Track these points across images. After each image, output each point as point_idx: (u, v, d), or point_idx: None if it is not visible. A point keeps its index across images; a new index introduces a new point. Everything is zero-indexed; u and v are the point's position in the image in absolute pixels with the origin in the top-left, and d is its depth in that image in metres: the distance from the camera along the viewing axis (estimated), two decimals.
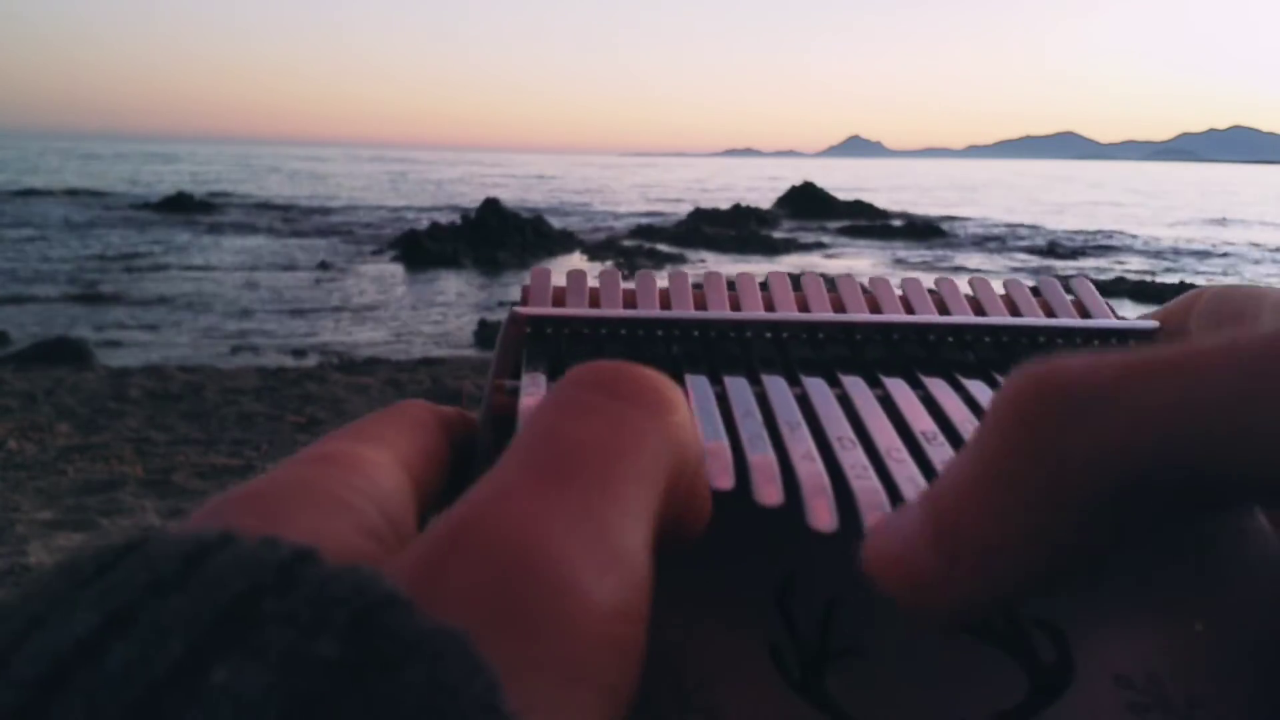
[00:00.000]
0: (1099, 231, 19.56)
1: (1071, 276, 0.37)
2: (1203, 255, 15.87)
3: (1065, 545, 0.19)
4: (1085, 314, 0.35)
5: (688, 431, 0.19)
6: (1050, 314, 0.35)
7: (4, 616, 0.12)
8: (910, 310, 0.35)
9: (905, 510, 0.20)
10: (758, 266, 12.69)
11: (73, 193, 23.43)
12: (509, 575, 0.14)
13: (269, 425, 4.51)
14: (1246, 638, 0.24)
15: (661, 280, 0.36)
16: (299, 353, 7.01)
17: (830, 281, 0.37)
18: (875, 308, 0.35)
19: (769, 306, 0.35)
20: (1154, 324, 0.33)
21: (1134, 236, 18.77)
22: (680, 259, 13.10)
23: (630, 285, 0.36)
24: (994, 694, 0.23)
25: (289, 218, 18.71)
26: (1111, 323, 0.34)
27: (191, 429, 4.44)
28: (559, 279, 0.36)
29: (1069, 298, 0.36)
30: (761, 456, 0.25)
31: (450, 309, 9.37)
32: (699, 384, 0.29)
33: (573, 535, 0.15)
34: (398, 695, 0.11)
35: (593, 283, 0.35)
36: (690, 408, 0.20)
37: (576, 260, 13.18)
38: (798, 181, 22.64)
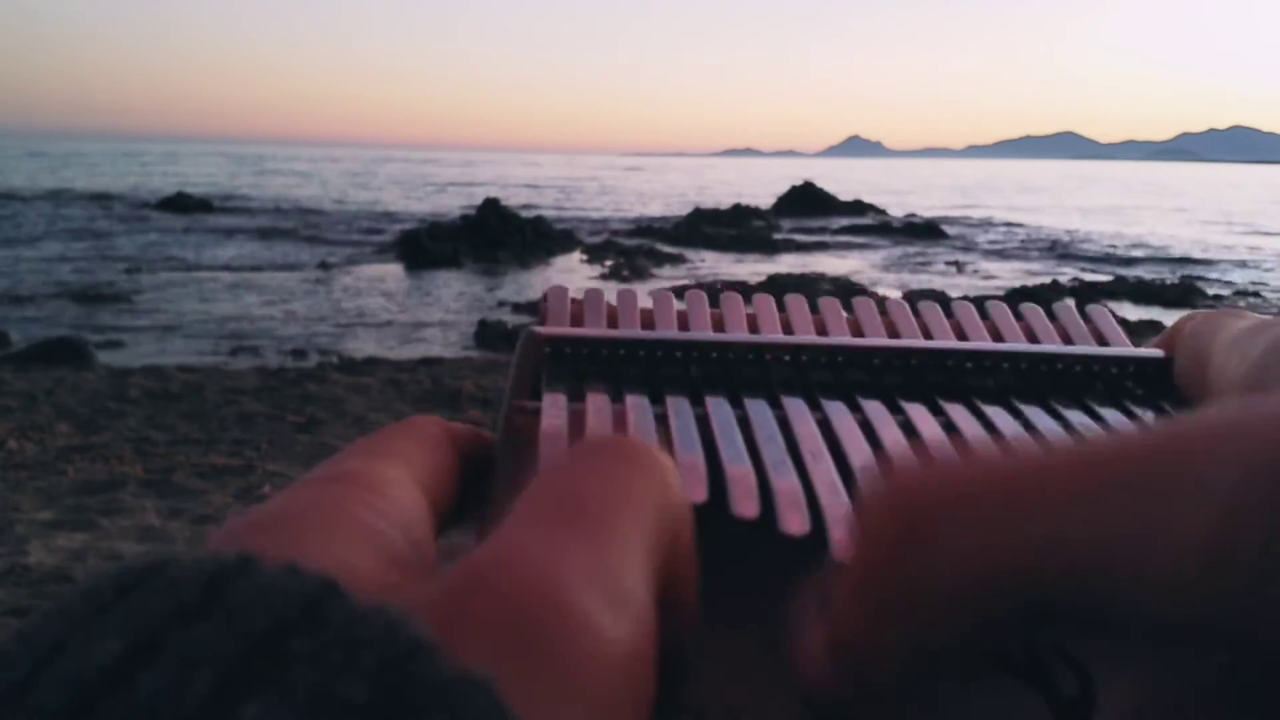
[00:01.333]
0: (1096, 232, 19.56)
1: (1090, 304, 0.38)
2: (1208, 263, 15.83)
3: (922, 660, 0.19)
4: (1102, 341, 0.35)
5: (676, 493, 0.20)
6: (1067, 340, 0.35)
7: (24, 642, 0.12)
8: (928, 335, 0.35)
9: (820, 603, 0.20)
10: (757, 266, 12.68)
11: (72, 193, 23.42)
12: (527, 614, 0.14)
13: (269, 425, 4.51)
14: (1271, 670, 0.25)
15: (679, 301, 0.36)
16: (299, 353, 7.01)
17: (847, 304, 0.37)
18: (893, 332, 0.35)
19: (786, 328, 0.35)
20: (1160, 353, 0.33)
21: (1125, 235, 18.77)
22: (680, 259, 13.10)
23: (648, 304, 0.35)
24: None
25: (289, 218, 18.70)
26: (1126, 351, 0.34)
27: (191, 429, 4.44)
28: (576, 295, 0.36)
29: (1085, 325, 0.36)
30: (785, 483, 0.25)
31: (450, 309, 9.37)
32: (719, 406, 0.29)
33: (584, 577, 0.15)
34: None
35: (610, 300, 0.35)
36: (679, 458, 0.20)
37: (576, 260, 13.19)
38: (798, 181, 22.65)
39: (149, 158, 52.97)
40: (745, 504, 0.23)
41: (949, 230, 18.49)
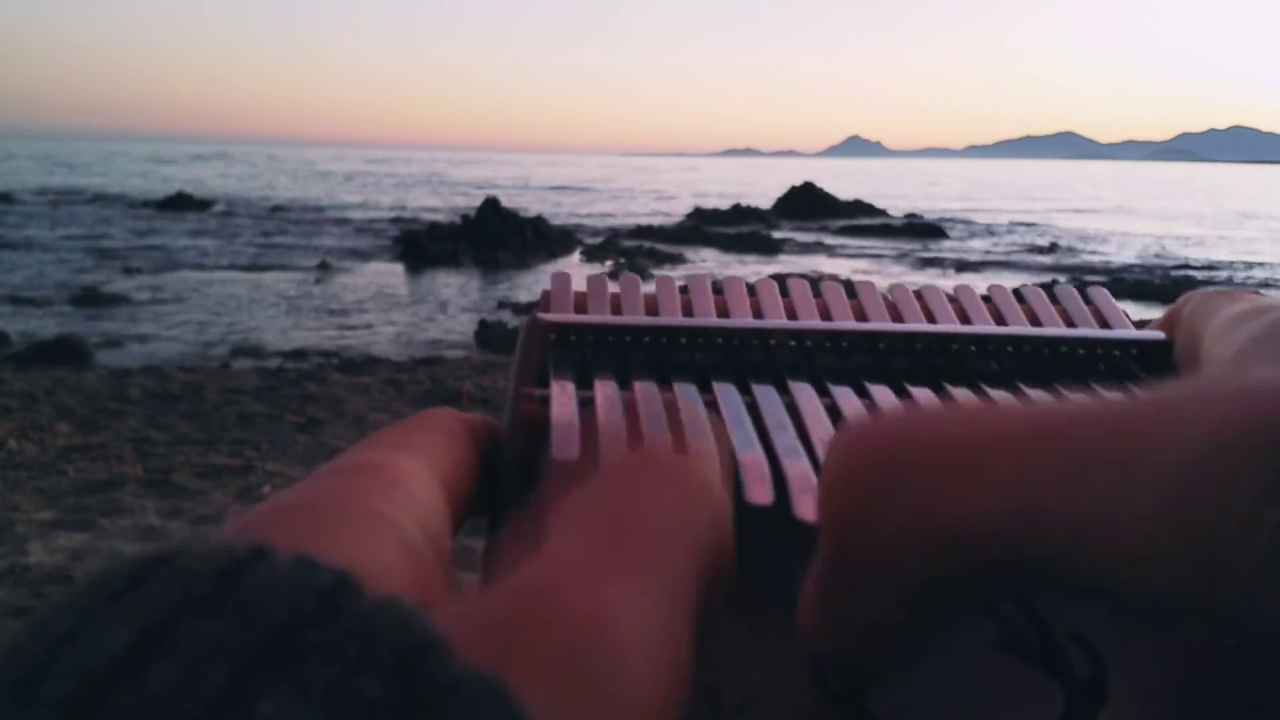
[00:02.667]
0: (1098, 232, 19.56)
1: (1089, 285, 0.37)
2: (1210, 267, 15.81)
3: (887, 622, 0.19)
4: (1104, 323, 0.35)
5: (726, 512, 0.20)
6: (1069, 323, 0.35)
7: (35, 633, 0.12)
8: (931, 319, 0.35)
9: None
10: (758, 266, 12.70)
11: (73, 193, 23.43)
12: (576, 650, 0.14)
13: (269, 425, 4.51)
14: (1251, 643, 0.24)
15: (681, 284, 0.36)
16: (299, 353, 7.00)
17: (850, 289, 0.36)
18: (897, 316, 0.35)
19: (790, 313, 0.35)
20: (1161, 335, 0.33)
21: (1125, 234, 18.77)
22: (680, 258, 13.11)
23: (651, 290, 0.35)
24: (1032, 710, 0.24)
25: (289, 218, 18.72)
26: (1128, 334, 0.34)
27: (191, 429, 4.44)
28: (579, 284, 0.35)
29: (1086, 307, 0.36)
30: (798, 469, 0.25)
31: (450, 309, 9.37)
32: (728, 393, 0.29)
33: (633, 616, 0.15)
34: None
35: (613, 288, 0.35)
36: (722, 468, 0.21)
37: (576, 260, 13.19)
38: (798, 181, 22.64)
39: (150, 158, 52.97)
40: (758, 491, 0.23)
41: (949, 230, 18.48)
